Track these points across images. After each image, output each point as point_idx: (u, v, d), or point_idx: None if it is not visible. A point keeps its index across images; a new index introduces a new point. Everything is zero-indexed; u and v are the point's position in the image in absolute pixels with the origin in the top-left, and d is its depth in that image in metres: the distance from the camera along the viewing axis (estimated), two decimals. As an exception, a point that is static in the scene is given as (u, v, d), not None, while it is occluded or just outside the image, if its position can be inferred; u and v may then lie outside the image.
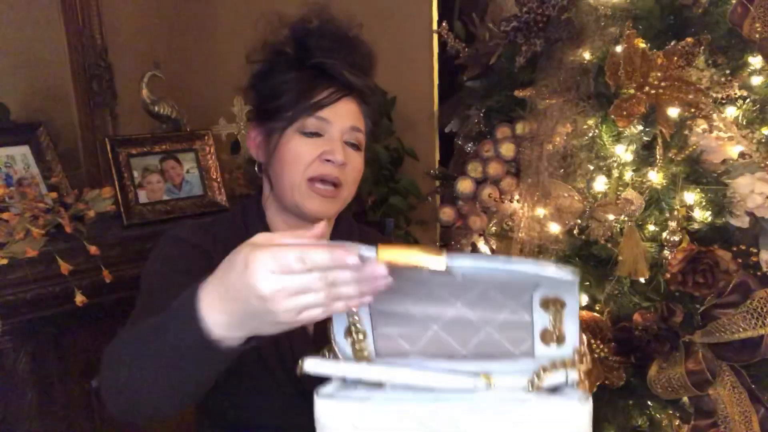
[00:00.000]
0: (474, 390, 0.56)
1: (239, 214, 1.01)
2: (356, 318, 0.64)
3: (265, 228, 0.98)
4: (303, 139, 0.92)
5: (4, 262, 1.24)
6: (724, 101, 1.16)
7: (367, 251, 0.54)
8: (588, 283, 1.25)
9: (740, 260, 1.11)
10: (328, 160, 0.91)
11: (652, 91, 1.13)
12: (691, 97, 1.11)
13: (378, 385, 0.60)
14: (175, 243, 0.94)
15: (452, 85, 1.74)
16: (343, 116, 0.93)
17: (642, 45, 1.14)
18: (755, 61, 1.18)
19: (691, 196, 1.17)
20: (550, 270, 0.52)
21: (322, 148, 0.92)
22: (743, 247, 1.11)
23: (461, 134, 1.57)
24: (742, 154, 1.13)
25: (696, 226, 1.18)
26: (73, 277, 1.32)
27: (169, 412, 0.70)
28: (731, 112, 1.18)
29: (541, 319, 0.59)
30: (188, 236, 0.94)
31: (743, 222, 1.13)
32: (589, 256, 1.25)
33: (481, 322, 0.60)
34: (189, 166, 1.69)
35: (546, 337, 0.59)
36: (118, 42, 1.75)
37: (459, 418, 0.55)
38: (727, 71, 1.17)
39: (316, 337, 0.95)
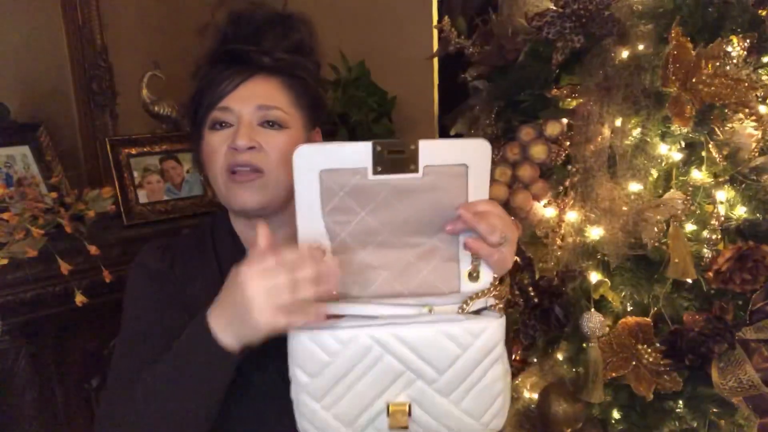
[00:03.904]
0: (419, 316, 0.75)
1: (209, 225, 1.00)
2: None
3: (232, 236, 0.98)
4: (212, 134, 0.91)
5: (4, 262, 1.24)
6: (760, 98, 1.15)
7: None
8: (638, 287, 1.22)
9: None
10: (234, 148, 0.89)
11: (705, 89, 1.11)
12: (743, 94, 1.09)
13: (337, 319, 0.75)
14: (138, 269, 0.96)
15: (452, 85, 1.73)
16: (246, 99, 0.90)
17: (689, 43, 1.11)
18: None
19: (725, 194, 1.17)
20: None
21: (231, 137, 0.90)
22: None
23: (467, 136, 1.52)
24: (761, 151, 1.13)
25: (732, 223, 1.17)
26: (73, 277, 1.32)
27: None
28: (762, 109, 1.17)
29: (466, 261, 0.78)
30: (149, 261, 0.96)
31: (781, 217, 1.13)
32: (637, 258, 1.22)
33: (419, 258, 0.77)
34: (189, 166, 1.69)
35: (470, 276, 0.79)
36: (118, 42, 1.75)
37: (406, 334, 0.73)
38: (759, 68, 1.16)
39: None
